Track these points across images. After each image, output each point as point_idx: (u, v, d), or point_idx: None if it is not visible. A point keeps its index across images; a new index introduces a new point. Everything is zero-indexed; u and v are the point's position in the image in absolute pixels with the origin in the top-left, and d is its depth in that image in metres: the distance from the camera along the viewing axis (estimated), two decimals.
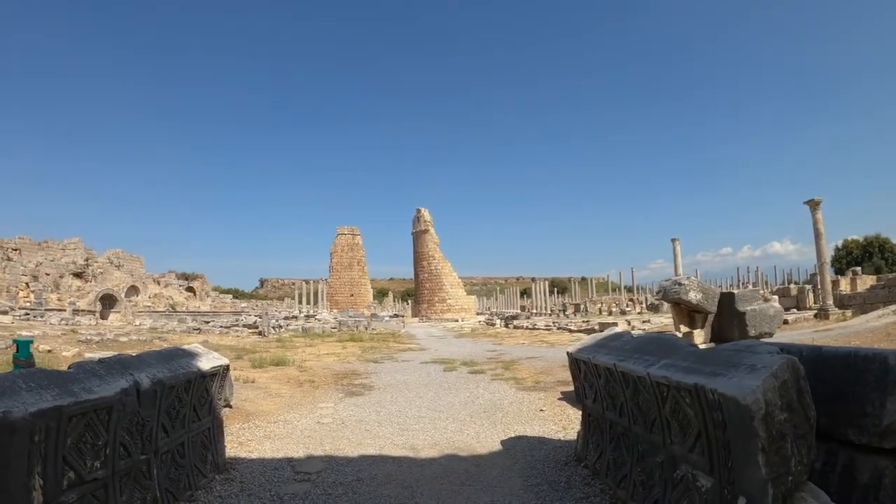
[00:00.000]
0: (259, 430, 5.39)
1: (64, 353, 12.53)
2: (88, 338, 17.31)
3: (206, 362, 3.85)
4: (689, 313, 7.22)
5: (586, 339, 3.97)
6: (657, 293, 7.40)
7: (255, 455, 4.50)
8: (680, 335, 6.91)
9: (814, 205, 20.40)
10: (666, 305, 35.73)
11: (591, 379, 3.60)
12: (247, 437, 5.06)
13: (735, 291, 7.37)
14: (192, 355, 3.82)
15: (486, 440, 4.78)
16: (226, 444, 4.84)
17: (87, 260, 41.77)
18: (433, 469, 3.96)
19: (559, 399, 6.67)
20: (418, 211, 45.50)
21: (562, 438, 4.73)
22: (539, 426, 5.25)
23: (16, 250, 40.74)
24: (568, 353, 3.90)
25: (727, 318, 7.33)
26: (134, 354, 3.47)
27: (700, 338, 7.08)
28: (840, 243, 54.20)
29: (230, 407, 6.58)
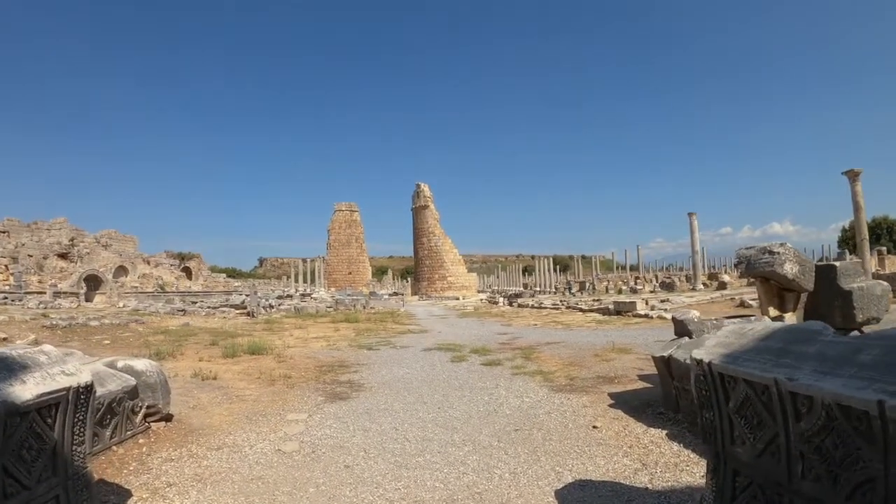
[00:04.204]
0: (192, 463, 3.68)
1: (18, 342, 10.90)
2: (55, 323, 15.63)
3: (35, 384, 2.09)
4: (778, 292, 5.48)
5: (724, 336, 2.23)
6: (737, 265, 5.65)
7: None
8: (769, 320, 5.15)
9: (853, 175, 18.46)
10: (679, 283, 34.10)
11: (763, 415, 1.87)
12: (167, 480, 3.36)
13: (836, 264, 5.61)
14: (7, 371, 2.07)
15: (529, 490, 3.05)
16: (133, 494, 3.18)
17: (72, 240, 39.96)
18: None
19: (611, 406, 4.98)
20: (418, 186, 43.41)
21: (649, 487, 3.02)
22: (602, 459, 3.52)
23: (3, 232, 39.09)
24: (697, 359, 2.15)
25: (826, 298, 5.58)
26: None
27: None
28: (847, 224, 53.31)
29: (168, 420, 4.88)
